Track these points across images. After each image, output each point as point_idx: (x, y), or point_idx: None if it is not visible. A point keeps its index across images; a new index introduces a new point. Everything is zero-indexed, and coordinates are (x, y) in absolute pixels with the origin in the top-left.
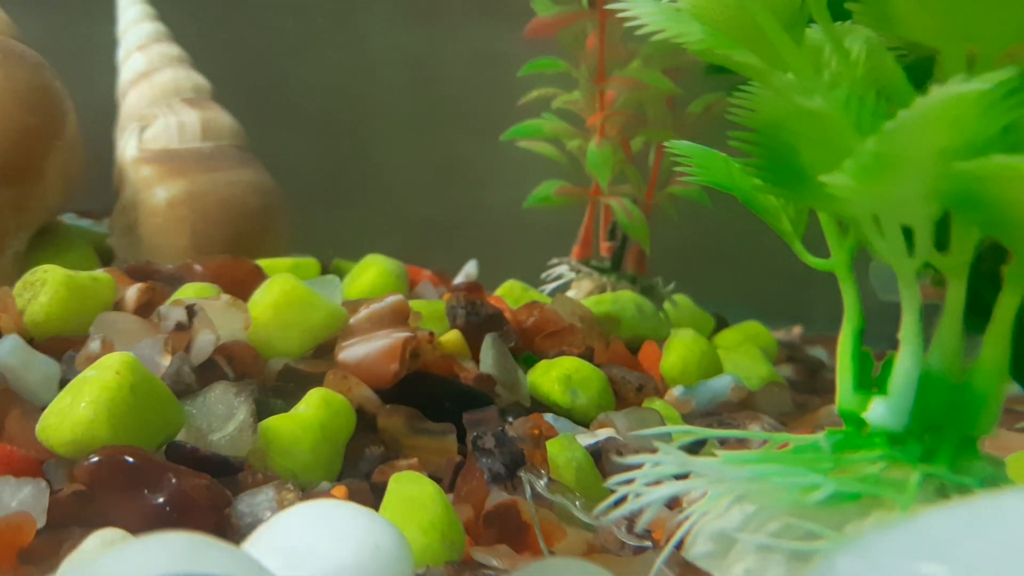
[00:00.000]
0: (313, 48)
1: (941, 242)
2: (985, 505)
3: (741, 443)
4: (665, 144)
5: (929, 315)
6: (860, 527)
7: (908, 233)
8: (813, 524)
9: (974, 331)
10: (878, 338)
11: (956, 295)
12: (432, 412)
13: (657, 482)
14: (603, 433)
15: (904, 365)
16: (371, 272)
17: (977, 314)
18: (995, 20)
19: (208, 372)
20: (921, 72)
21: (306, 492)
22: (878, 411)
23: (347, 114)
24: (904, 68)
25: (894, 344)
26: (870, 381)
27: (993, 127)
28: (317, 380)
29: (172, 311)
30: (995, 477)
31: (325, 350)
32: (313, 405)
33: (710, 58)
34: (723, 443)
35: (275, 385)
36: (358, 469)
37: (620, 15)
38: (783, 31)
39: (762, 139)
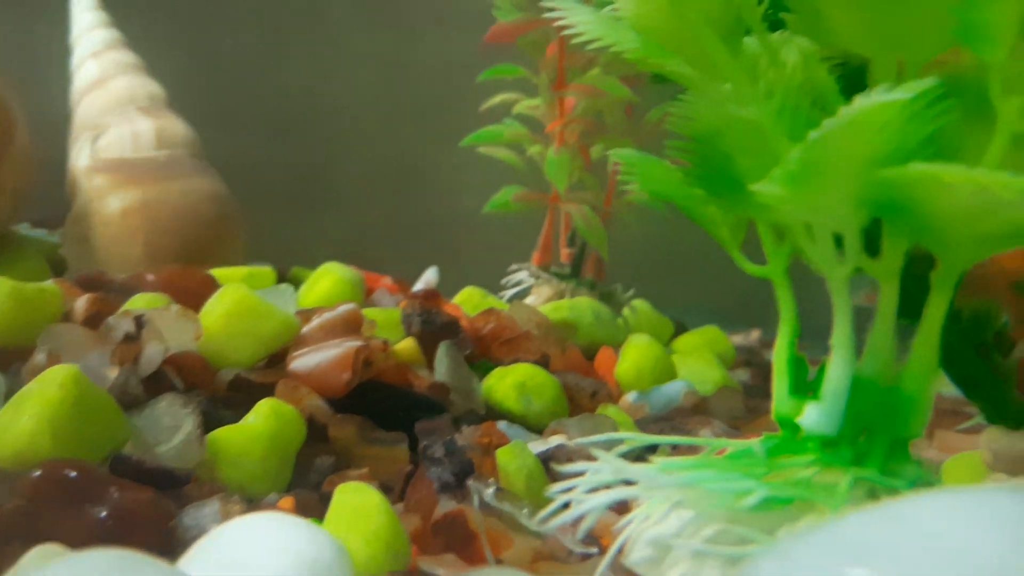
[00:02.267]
0: (271, 54)
1: (874, 248)
2: (904, 506)
3: (693, 447)
4: (612, 152)
5: (864, 320)
6: (791, 531)
7: (839, 240)
8: (746, 529)
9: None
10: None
11: (887, 300)
12: (385, 421)
13: (597, 489)
14: (555, 440)
15: (836, 370)
16: (327, 280)
17: (912, 318)
18: (922, 30)
19: (157, 383)
20: (856, 81)
21: (253, 504)
22: (811, 416)
23: (305, 120)
24: (840, 77)
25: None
26: (805, 386)
27: (917, 135)
28: (268, 390)
29: (121, 322)
30: (925, 479)
31: (277, 360)
32: (262, 416)
33: (646, 67)
34: (675, 447)
35: (225, 396)
36: (308, 480)
37: (558, 23)
38: (720, 41)
39: (699, 148)
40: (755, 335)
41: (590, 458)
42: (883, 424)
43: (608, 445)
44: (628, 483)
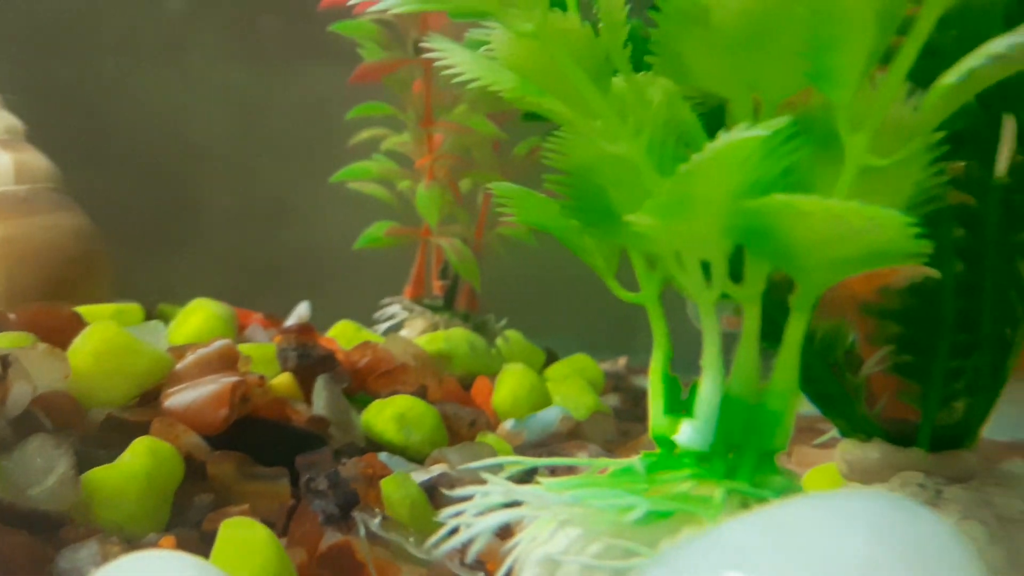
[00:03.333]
0: (134, 88)
1: (737, 274)
2: (776, 512)
3: (570, 469)
4: (490, 186)
5: (733, 343)
6: (673, 542)
7: (707, 267)
8: (631, 542)
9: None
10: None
11: (751, 322)
12: (264, 456)
13: (486, 512)
14: (437, 469)
15: (707, 389)
16: (198, 317)
17: (773, 340)
18: (776, 73)
19: (25, 425)
20: (716, 119)
21: (132, 544)
22: (686, 433)
23: (170, 155)
24: (700, 115)
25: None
26: (679, 405)
27: (775, 168)
28: (142, 429)
29: None
30: (790, 488)
31: (150, 398)
32: (138, 454)
33: (523, 105)
34: (553, 471)
35: (98, 435)
36: (187, 518)
37: (436, 64)
38: (590, 81)
39: (574, 181)
40: (622, 362)
41: (474, 485)
42: (751, 439)
43: (490, 471)
44: (516, 504)
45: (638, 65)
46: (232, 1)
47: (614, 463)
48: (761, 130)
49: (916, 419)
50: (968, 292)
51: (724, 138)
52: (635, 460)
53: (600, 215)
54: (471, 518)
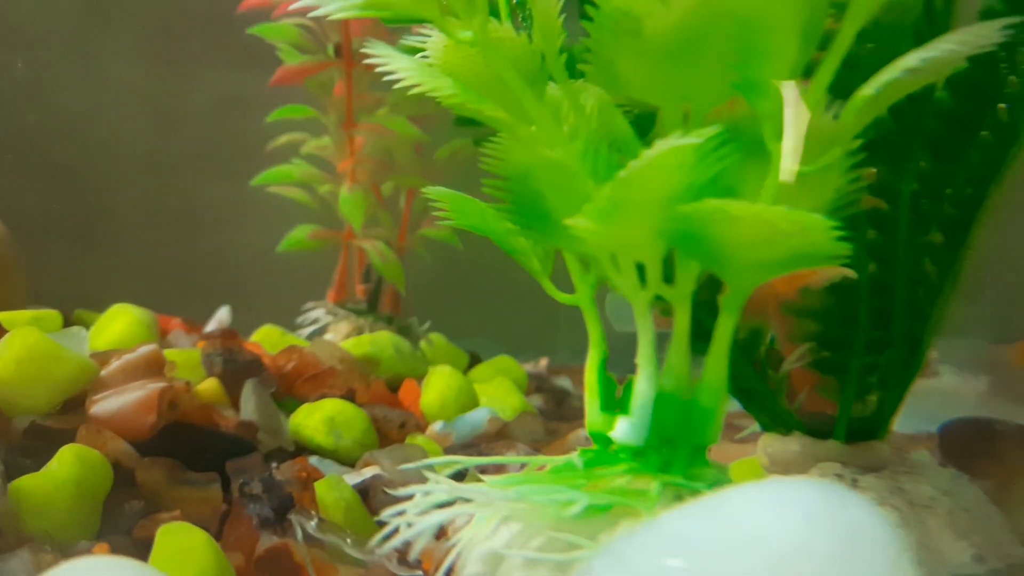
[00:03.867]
0: (46, 90)
1: (667, 276)
2: (712, 502)
3: (499, 469)
4: (423, 190)
5: (664, 342)
6: (612, 534)
7: (641, 269)
8: (572, 535)
9: (700, 353)
10: (615, 365)
11: (682, 322)
12: (194, 462)
13: (428, 511)
14: (369, 471)
15: (641, 386)
16: (120, 322)
17: (700, 339)
18: (704, 84)
19: None
20: (646, 125)
21: (65, 552)
22: (622, 429)
23: (84, 158)
24: (631, 122)
25: (630, 370)
26: (614, 403)
27: (707, 175)
28: (69, 436)
29: None
30: (721, 480)
31: (75, 405)
32: (66, 462)
33: (461, 111)
34: (483, 471)
35: (23, 444)
36: (118, 525)
37: (378, 70)
38: (527, 87)
39: (511, 186)
40: (544, 362)
41: (408, 485)
42: (684, 433)
43: (421, 472)
44: (453, 503)
45: (573, 73)
46: (148, 1)
47: (552, 460)
48: (694, 138)
49: (833, 412)
50: (881, 291)
51: (660, 145)
52: (574, 456)
53: (536, 218)
54: (413, 517)
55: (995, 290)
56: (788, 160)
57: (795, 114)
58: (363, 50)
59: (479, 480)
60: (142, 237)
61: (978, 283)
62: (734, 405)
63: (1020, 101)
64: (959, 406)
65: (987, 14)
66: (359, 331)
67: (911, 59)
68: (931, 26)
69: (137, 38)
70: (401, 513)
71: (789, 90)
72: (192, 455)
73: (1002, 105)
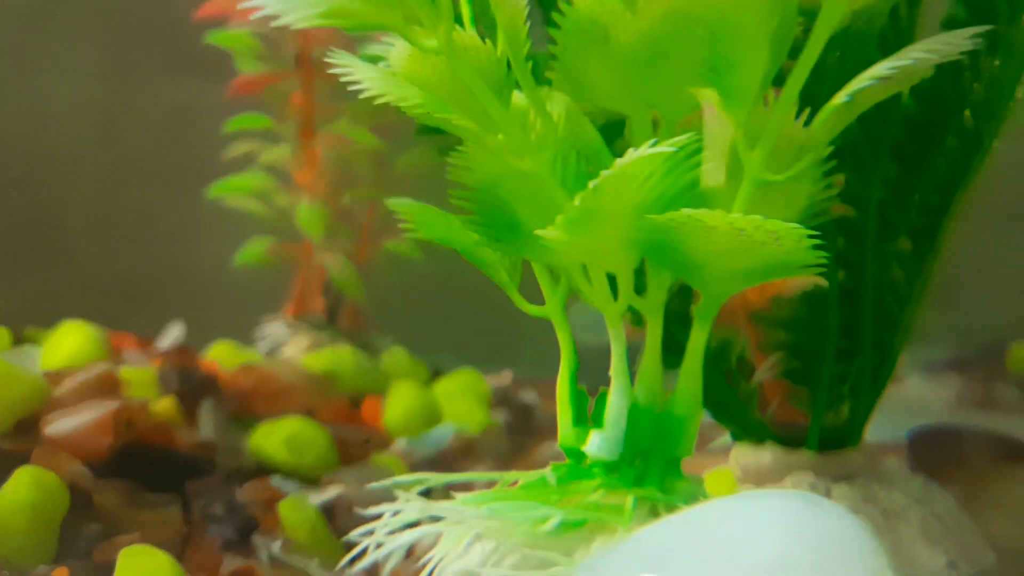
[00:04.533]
0: None
1: (638, 286)
2: (690, 516)
3: (466, 486)
4: (385, 201)
5: (634, 354)
6: (587, 550)
7: (612, 280)
8: (547, 552)
9: (670, 366)
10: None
11: (654, 333)
12: (152, 483)
13: (398, 530)
14: (333, 490)
15: (615, 399)
16: (72, 340)
17: (672, 351)
18: (672, 93)
19: None
20: (614, 133)
21: None
22: (595, 443)
23: (30, 170)
24: (599, 129)
25: (593, 382)
26: (586, 416)
27: (678, 184)
28: (22, 458)
29: None
30: (697, 493)
31: (28, 426)
32: (22, 485)
33: (427, 120)
34: (450, 488)
35: None
36: (76, 549)
37: (343, 79)
38: (493, 95)
39: (479, 196)
40: (507, 376)
41: (377, 503)
42: (658, 446)
43: (387, 491)
44: (420, 523)
45: (539, 80)
46: (98, 9)
47: (524, 476)
48: (665, 147)
49: (805, 422)
50: (851, 300)
51: (631, 154)
52: (547, 472)
53: (505, 229)
54: (383, 536)
55: (962, 297)
56: (709, 177)
57: (715, 130)
58: (326, 59)
59: (448, 497)
60: (91, 251)
61: (946, 290)
62: (705, 416)
63: (984, 108)
64: (927, 414)
65: (950, 22)
66: (318, 346)
67: (881, 68)
68: (896, 34)
69: (86, 46)
70: (370, 532)
71: (708, 108)
72: (150, 476)
73: (967, 112)
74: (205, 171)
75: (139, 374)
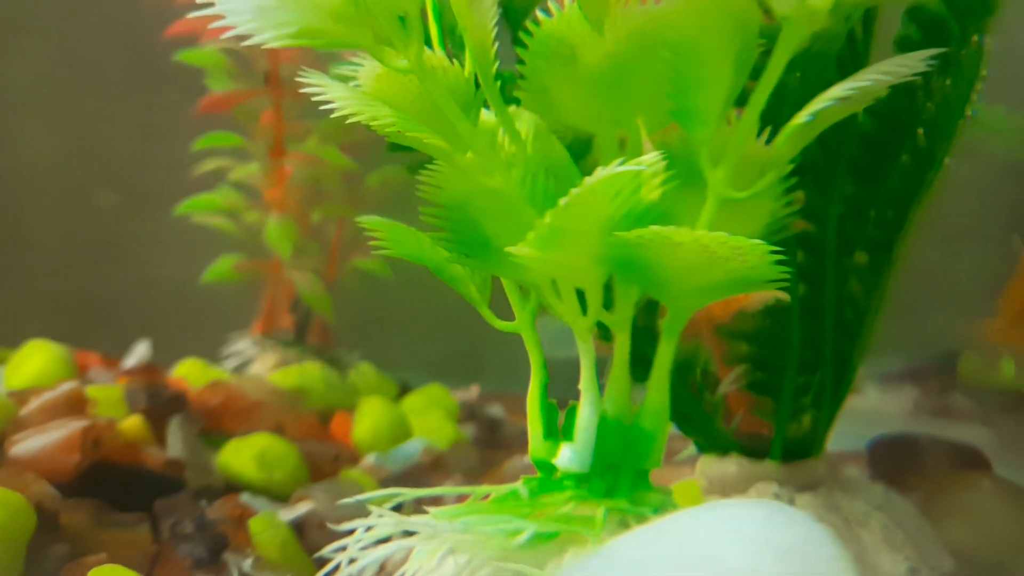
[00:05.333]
0: None
1: (606, 302)
2: (660, 527)
3: (436, 501)
4: (357, 219)
5: (602, 367)
6: (559, 562)
7: (581, 295)
8: (519, 565)
9: (637, 380)
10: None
11: (622, 347)
12: (120, 503)
13: (371, 545)
14: (303, 507)
15: (585, 412)
16: (37, 359)
17: (639, 365)
18: (638, 113)
19: None
20: (582, 150)
21: None
22: (566, 456)
23: None
24: (567, 147)
25: (558, 396)
26: (557, 430)
27: (645, 201)
28: None
29: None
30: (666, 504)
31: None
32: None
33: (398, 139)
34: (419, 503)
35: None
36: (43, 570)
37: (315, 99)
38: (462, 114)
39: (449, 214)
40: (474, 390)
41: (348, 519)
42: (627, 459)
43: (358, 506)
44: (388, 539)
45: (507, 99)
46: (67, 25)
47: (496, 489)
48: (633, 165)
49: (769, 433)
50: (811, 313)
51: (599, 173)
52: (518, 485)
53: (475, 246)
54: (356, 552)
55: (917, 309)
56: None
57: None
58: (296, 78)
59: (420, 512)
60: (57, 269)
61: (901, 302)
62: (672, 428)
63: (936, 127)
64: (885, 423)
65: (903, 43)
66: (286, 363)
67: (840, 89)
68: (853, 56)
69: (52, 63)
70: (343, 548)
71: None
72: (118, 495)
73: (920, 130)
74: (174, 188)
75: (106, 392)
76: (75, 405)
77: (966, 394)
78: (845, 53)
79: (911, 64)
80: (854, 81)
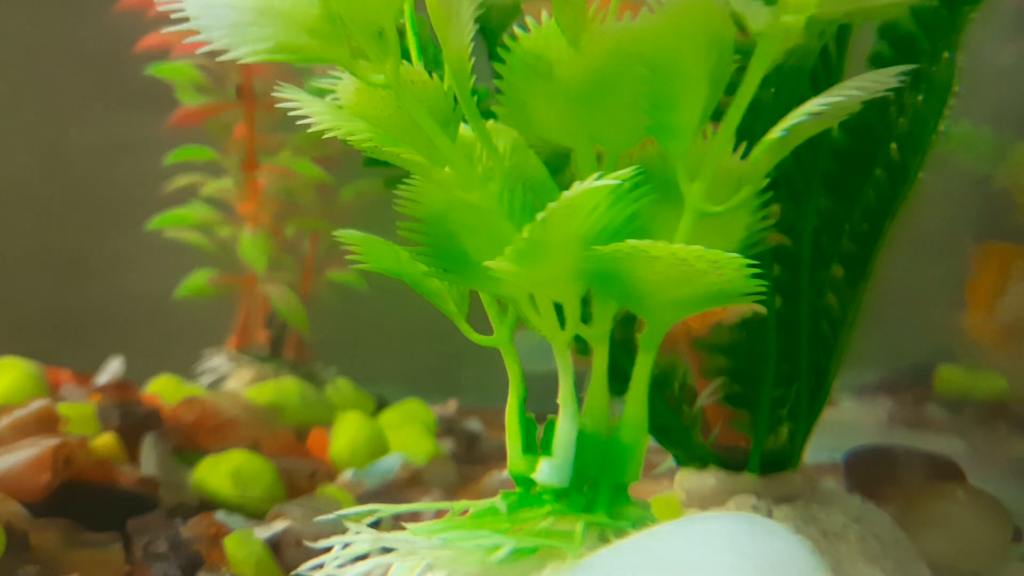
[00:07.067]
0: None
1: (584, 315)
2: (639, 541)
3: (414, 516)
4: (333, 233)
5: (580, 381)
6: None
7: (559, 309)
8: None
9: (615, 394)
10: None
11: (600, 361)
12: (92, 522)
13: (349, 563)
14: (279, 524)
15: (563, 427)
16: (7, 376)
17: (617, 379)
18: (614, 127)
19: None
20: (559, 165)
21: None
22: (544, 470)
23: None
24: (544, 161)
25: (534, 410)
26: (535, 444)
27: (623, 215)
28: None
29: None
30: (645, 518)
31: None
32: None
33: (375, 154)
34: (397, 519)
35: None
36: None
37: (291, 113)
38: (440, 129)
39: (427, 228)
40: (452, 405)
41: (325, 536)
42: (606, 472)
43: (336, 523)
44: (366, 556)
45: (484, 114)
46: (38, 40)
47: (474, 504)
48: (610, 180)
49: (747, 445)
50: (788, 326)
51: (577, 187)
52: (497, 500)
53: (453, 260)
54: (333, 569)
55: (892, 321)
56: None
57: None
58: (272, 93)
59: (398, 528)
60: (28, 285)
61: (876, 314)
62: (650, 442)
63: (909, 141)
64: (861, 435)
65: (875, 59)
66: (262, 378)
67: (814, 104)
68: (827, 72)
69: (21, 77)
70: (320, 566)
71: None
72: (90, 514)
73: (893, 145)
74: (146, 203)
75: (78, 410)
76: (46, 423)
77: (940, 405)
78: (819, 69)
79: (883, 80)
80: (828, 96)
